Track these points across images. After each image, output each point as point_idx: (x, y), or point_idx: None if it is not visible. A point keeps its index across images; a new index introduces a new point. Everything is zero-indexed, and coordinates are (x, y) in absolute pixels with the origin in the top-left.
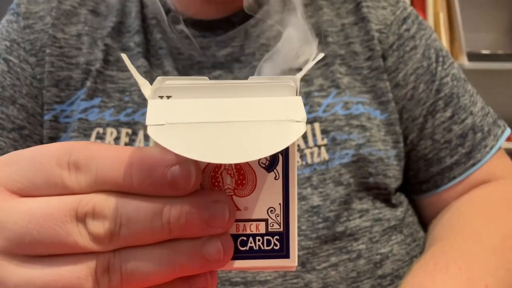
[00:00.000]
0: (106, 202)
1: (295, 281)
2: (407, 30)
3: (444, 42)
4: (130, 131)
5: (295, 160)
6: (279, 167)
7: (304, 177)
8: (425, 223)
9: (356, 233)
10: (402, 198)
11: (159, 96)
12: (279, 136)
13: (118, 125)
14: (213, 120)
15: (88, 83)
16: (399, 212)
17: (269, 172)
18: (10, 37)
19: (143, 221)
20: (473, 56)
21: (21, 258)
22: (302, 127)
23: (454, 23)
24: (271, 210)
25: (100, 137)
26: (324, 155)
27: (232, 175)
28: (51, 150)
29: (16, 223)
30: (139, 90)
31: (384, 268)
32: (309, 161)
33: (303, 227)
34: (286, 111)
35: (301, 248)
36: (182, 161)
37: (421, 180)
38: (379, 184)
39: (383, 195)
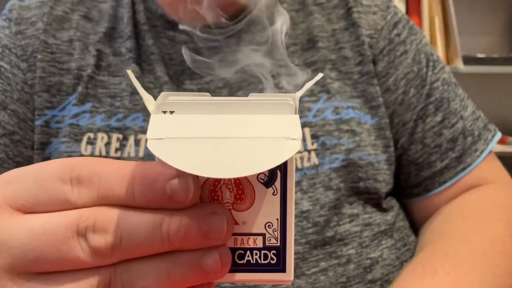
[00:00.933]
0: (107, 216)
1: (284, 286)
2: (398, 35)
3: (440, 45)
4: (120, 136)
5: (293, 177)
6: (278, 183)
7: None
8: (416, 227)
9: (346, 237)
10: (393, 202)
11: (163, 111)
12: (275, 152)
13: (109, 130)
14: (212, 136)
15: (80, 88)
16: (389, 216)
17: (267, 188)
18: (1, 42)
19: (143, 233)
20: (469, 60)
21: (24, 276)
22: (297, 145)
23: (449, 26)
24: (269, 225)
25: (91, 142)
26: (314, 159)
27: (231, 190)
28: (53, 166)
29: (19, 240)
30: (130, 95)
31: (374, 272)
32: (299, 165)
33: None
34: (282, 129)
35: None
36: (181, 175)
37: (412, 184)
38: (369, 188)
39: (373, 200)
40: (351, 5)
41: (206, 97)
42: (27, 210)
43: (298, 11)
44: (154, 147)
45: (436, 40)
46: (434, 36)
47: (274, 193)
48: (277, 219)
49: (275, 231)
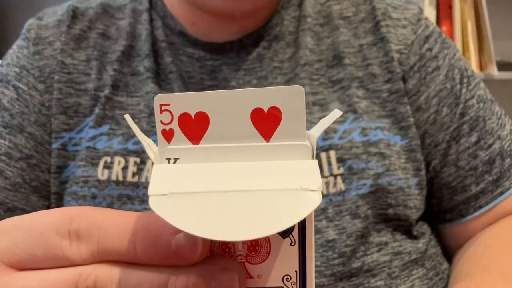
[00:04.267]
0: (108, 274)
1: None
2: (429, 49)
3: (472, 51)
4: (138, 160)
5: (312, 225)
6: (295, 233)
7: (318, 208)
8: (449, 253)
9: (373, 268)
10: (425, 227)
11: (166, 158)
12: (293, 207)
13: (126, 153)
14: (222, 189)
15: (97, 110)
16: (420, 244)
17: (284, 238)
18: (20, 63)
19: None
20: (503, 66)
21: None
22: (317, 198)
23: (482, 31)
24: (287, 278)
25: (108, 167)
26: (340, 185)
27: (244, 242)
28: (50, 218)
29: None
30: (148, 117)
31: None
32: (324, 191)
33: (317, 263)
34: (300, 178)
35: (314, 286)
36: None
37: (444, 209)
38: (399, 215)
39: (403, 227)
40: (379, 18)
41: (211, 145)
42: (21, 266)
43: (323, 25)
44: (156, 205)
45: (469, 46)
46: (467, 41)
47: (292, 244)
48: (296, 271)
49: (293, 284)
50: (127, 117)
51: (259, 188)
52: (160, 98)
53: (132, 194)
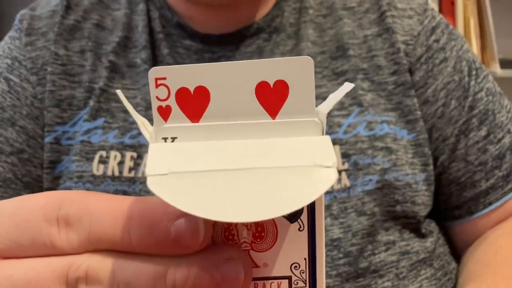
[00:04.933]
0: (101, 265)
1: None
2: (436, 41)
3: (475, 49)
4: (135, 154)
5: (322, 208)
6: (304, 217)
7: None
8: (457, 251)
9: (381, 269)
10: (433, 226)
11: (163, 138)
12: (306, 185)
13: (122, 148)
14: (226, 167)
15: (91, 103)
16: (428, 243)
17: (292, 223)
18: (11, 54)
19: (144, 286)
20: (506, 63)
21: None
22: (333, 174)
23: (485, 28)
24: (295, 266)
25: (103, 161)
26: (345, 181)
27: (249, 227)
28: (37, 202)
29: None
30: (145, 110)
31: None
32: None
33: None
34: (312, 155)
35: (325, 274)
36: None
37: (453, 206)
38: (407, 212)
39: (411, 225)
40: (385, 8)
41: (212, 123)
42: (7, 255)
43: (325, 16)
44: (155, 186)
45: (472, 43)
46: (469, 38)
47: (300, 229)
48: (305, 258)
49: (302, 272)
50: (119, 92)
51: (266, 165)
52: (156, 71)
53: (128, 190)
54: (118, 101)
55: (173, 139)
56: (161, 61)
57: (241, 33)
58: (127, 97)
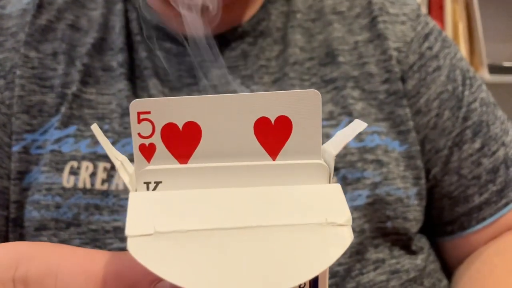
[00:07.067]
0: None
1: None
2: (430, 48)
3: (464, 53)
4: (108, 165)
5: (326, 275)
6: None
7: None
8: (448, 268)
9: None
10: (423, 241)
11: (145, 183)
12: (316, 251)
13: (95, 158)
14: (221, 226)
15: (63, 109)
16: (419, 260)
17: None
18: None
19: None
20: (495, 69)
21: None
22: (348, 234)
23: (474, 33)
24: None
25: (74, 172)
26: None
27: None
28: None
29: None
30: (121, 117)
31: None
32: None
33: None
34: (322, 209)
35: None
36: None
37: (445, 221)
38: (398, 229)
39: (402, 241)
40: (376, 13)
41: (203, 164)
42: None
43: (314, 21)
44: (137, 251)
45: (460, 48)
46: (458, 43)
47: (302, 285)
48: None
49: None
50: (95, 127)
51: (268, 223)
52: (138, 104)
53: (100, 204)
54: (92, 107)
55: (157, 183)
56: (139, 65)
57: (224, 36)
58: (101, 103)
